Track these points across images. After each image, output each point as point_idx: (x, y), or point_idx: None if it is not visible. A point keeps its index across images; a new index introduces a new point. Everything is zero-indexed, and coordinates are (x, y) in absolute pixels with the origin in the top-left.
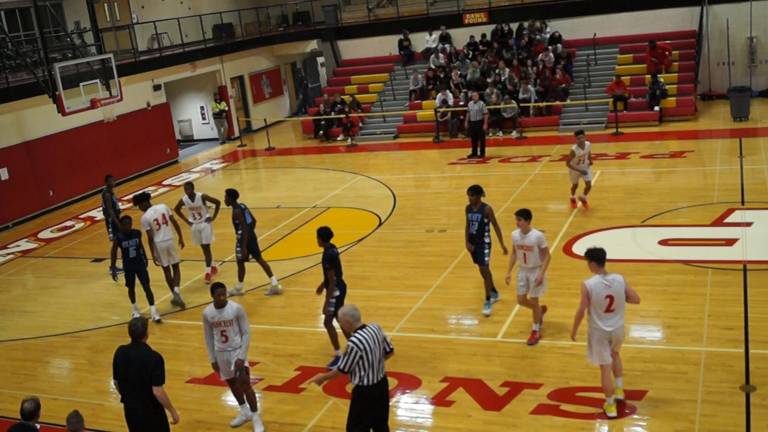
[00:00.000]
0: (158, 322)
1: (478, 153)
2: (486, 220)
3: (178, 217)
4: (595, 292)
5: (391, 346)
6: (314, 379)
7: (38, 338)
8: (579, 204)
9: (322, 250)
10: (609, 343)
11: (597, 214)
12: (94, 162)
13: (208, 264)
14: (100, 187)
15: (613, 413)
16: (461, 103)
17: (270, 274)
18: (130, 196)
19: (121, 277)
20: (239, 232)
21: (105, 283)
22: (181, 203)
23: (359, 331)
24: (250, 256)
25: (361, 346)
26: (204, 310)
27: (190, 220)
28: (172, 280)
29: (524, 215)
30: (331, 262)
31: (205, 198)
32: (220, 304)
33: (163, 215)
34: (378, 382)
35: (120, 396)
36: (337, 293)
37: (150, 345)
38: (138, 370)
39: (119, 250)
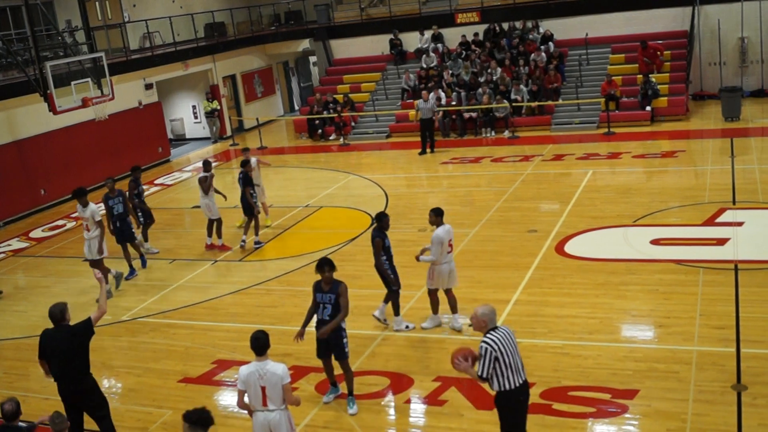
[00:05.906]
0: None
1: (428, 150)
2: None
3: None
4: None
5: None
6: (461, 367)
7: (29, 338)
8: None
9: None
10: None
11: (589, 214)
12: (85, 161)
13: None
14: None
15: None
16: (453, 103)
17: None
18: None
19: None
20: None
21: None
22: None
23: (491, 332)
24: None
25: (495, 347)
26: None
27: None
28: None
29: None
30: None
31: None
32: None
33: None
34: (521, 384)
35: (49, 375)
36: None
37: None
38: (68, 347)
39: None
